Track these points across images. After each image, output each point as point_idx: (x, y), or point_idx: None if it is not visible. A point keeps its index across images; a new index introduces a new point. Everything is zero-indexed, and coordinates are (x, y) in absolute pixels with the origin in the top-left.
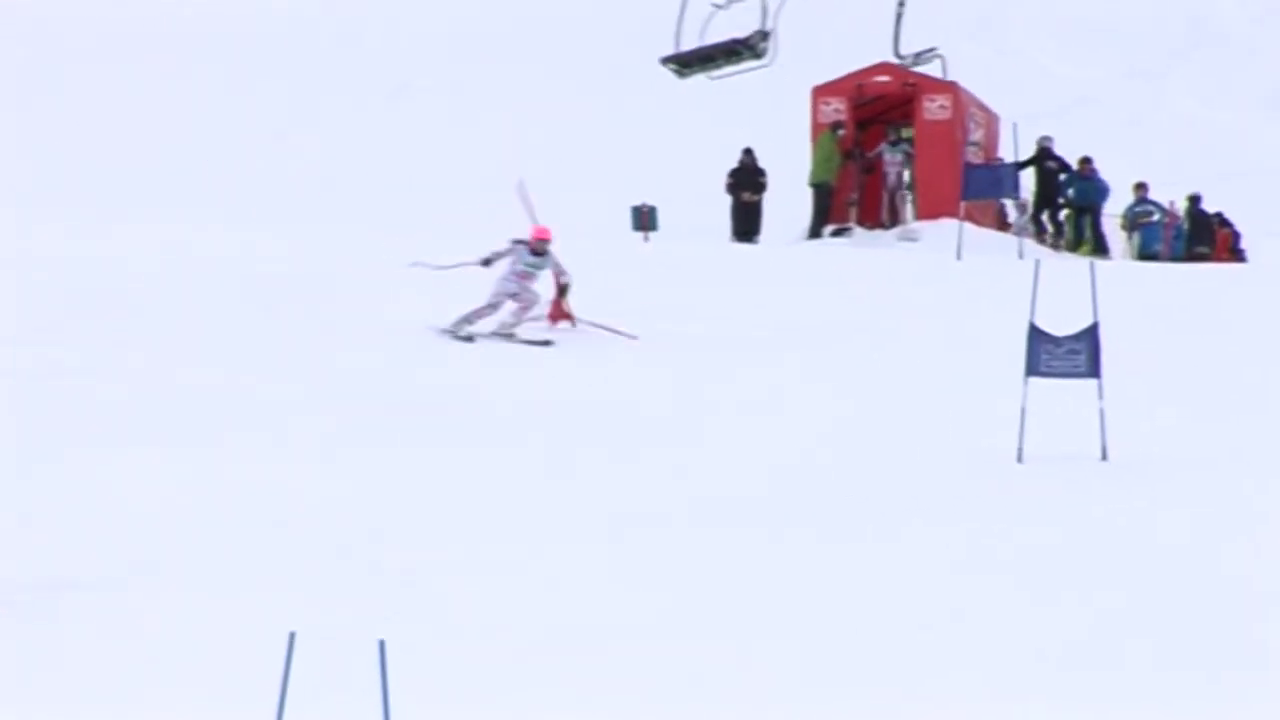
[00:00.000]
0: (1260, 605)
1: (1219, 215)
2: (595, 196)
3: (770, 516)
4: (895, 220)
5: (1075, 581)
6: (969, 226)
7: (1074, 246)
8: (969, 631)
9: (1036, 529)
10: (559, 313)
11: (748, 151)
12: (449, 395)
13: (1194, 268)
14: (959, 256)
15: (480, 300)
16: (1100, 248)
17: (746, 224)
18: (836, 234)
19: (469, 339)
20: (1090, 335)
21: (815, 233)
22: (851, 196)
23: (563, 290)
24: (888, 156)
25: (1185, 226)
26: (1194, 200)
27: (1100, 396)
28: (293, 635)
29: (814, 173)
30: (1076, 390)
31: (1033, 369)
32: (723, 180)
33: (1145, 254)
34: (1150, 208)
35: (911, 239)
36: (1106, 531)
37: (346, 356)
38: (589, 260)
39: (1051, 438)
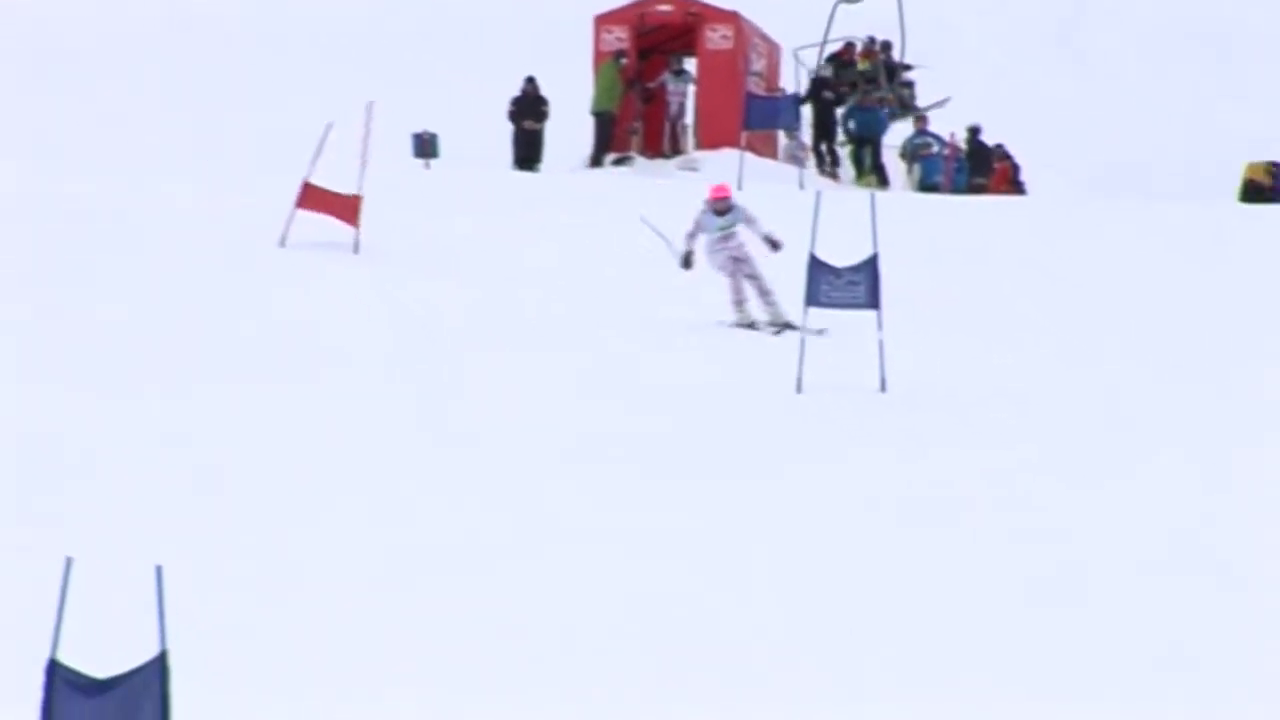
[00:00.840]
0: (1025, 537)
1: (999, 147)
2: (376, 123)
3: (551, 445)
4: (676, 150)
5: (849, 511)
6: (749, 156)
7: (855, 177)
8: (746, 562)
9: (814, 461)
10: None
11: (530, 80)
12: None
13: (973, 200)
14: (739, 186)
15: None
16: (881, 179)
17: (528, 152)
18: (618, 163)
19: (752, 326)
20: (870, 267)
21: (597, 161)
22: (633, 125)
23: (772, 246)
24: (670, 86)
25: (966, 158)
26: (973, 132)
27: (879, 328)
28: (69, 560)
29: (596, 101)
30: (856, 321)
31: (812, 299)
32: (505, 108)
33: (926, 186)
34: (929, 140)
35: (692, 168)
36: (882, 463)
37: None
38: (371, 186)
39: (830, 369)
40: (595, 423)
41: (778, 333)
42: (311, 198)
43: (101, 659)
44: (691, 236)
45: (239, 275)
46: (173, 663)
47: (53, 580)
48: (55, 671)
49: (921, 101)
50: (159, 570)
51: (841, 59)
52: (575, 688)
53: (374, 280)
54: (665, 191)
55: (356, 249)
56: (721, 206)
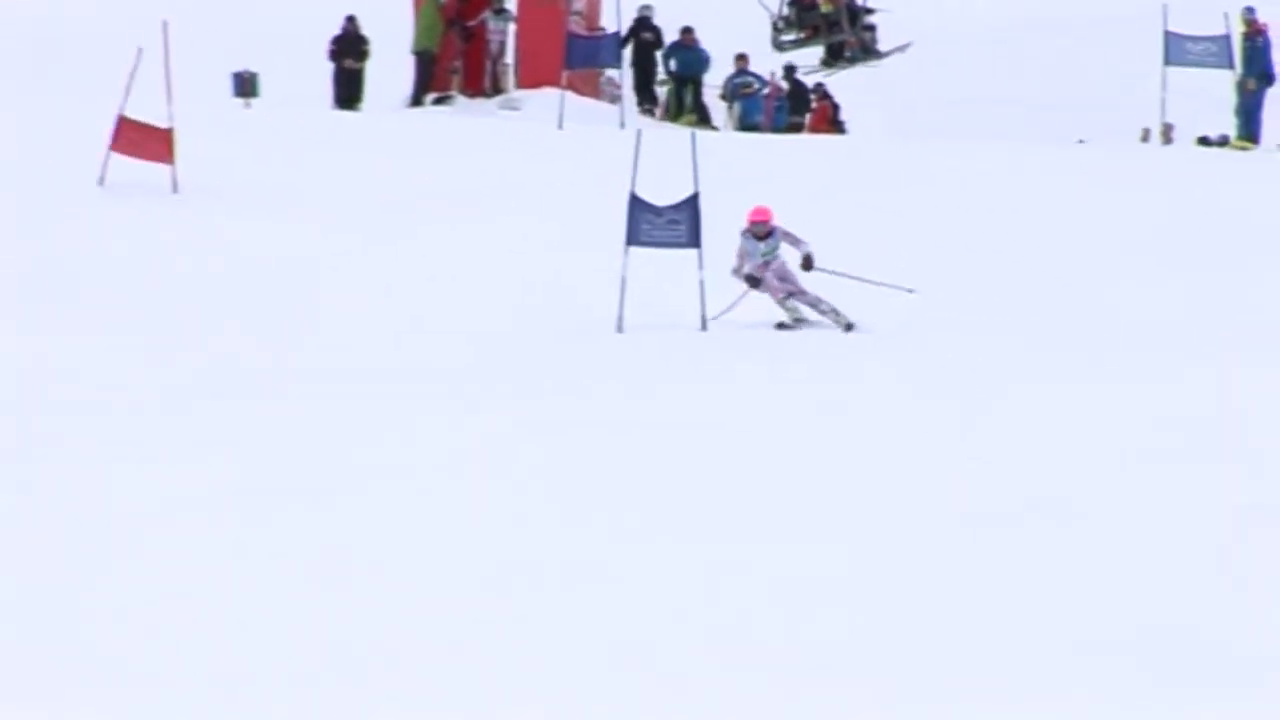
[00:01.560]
0: (845, 470)
1: (819, 87)
2: (196, 61)
3: (379, 381)
4: (498, 89)
5: (669, 451)
6: (570, 96)
7: (676, 116)
8: (562, 503)
9: (634, 399)
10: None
11: (350, 19)
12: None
13: (792, 138)
14: (560, 126)
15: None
16: (703, 118)
17: (349, 91)
18: (438, 102)
19: (800, 321)
20: (690, 206)
21: (417, 101)
22: (454, 65)
23: (806, 263)
24: (491, 25)
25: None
26: (789, 71)
27: (700, 267)
28: None
29: (416, 40)
30: (677, 260)
31: (633, 238)
32: (325, 48)
33: (746, 125)
34: (750, 79)
35: (513, 108)
36: (704, 400)
37: None
38: (191, 125)
39: (651, 307)
40: (415, 359)
41: (849, 329)
42: (126, 134)
43: None
44: (738, 270)
45: (58, 218)
46: None
47: None
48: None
49: (884, 46)
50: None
51: (803, 2)
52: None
53: (195, 221)
54: (486, 131)
55: (175, 188)
56: (759, 230)
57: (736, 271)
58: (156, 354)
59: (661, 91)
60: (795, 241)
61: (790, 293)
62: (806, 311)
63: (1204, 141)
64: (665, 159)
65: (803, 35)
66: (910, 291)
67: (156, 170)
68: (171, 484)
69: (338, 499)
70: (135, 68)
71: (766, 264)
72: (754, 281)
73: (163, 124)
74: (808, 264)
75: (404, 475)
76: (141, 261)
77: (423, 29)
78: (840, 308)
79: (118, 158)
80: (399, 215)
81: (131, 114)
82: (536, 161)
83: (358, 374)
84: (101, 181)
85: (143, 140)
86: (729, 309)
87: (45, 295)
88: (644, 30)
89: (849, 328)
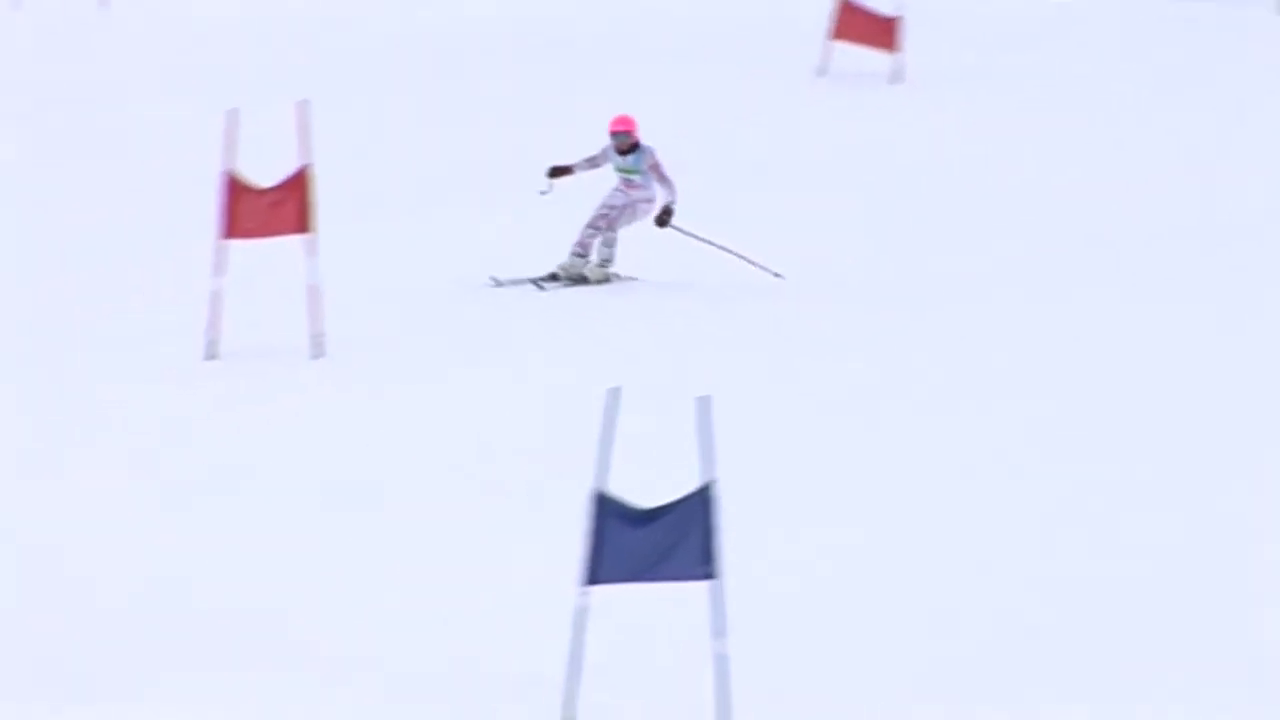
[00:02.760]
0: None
1: None
2: None
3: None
4: None
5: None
6: None
7: None
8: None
9: None
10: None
11: None
12: None
13: None
14: None
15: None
16: None
17: None
18: None
19: (581, 280)
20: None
21: None
22: None
23: (663, 215)
24: None
25: None
26: None
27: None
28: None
29: None
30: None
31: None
32: None
33: None
34: None
35: None
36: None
37: None
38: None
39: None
40: None
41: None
42: (849, 20)
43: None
44: (591, 163)
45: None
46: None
47: None
48: (603, 504)
49: None
50: (707, 400)
51: None
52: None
53: (920, 109)
54: None
55: (900, 78)
56: (621, 143)
57: (589, 161)
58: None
59: None
60: (662, 181)
61: (597, 228)
62: (587, 270)
63: None
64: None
65: None
66: (778, 276)
67: (878, 59)
68: None
69: None
70: None
71: (626, 184)
72: (561, 170)
73: (888, 13)
74: (664, 217)
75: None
76: (863, 149)
77: None
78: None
79: (839, 45)
80: None
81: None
82: None
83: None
84: (823, 71)
85: (867, 27)
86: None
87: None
88: None
89: (604, 281)
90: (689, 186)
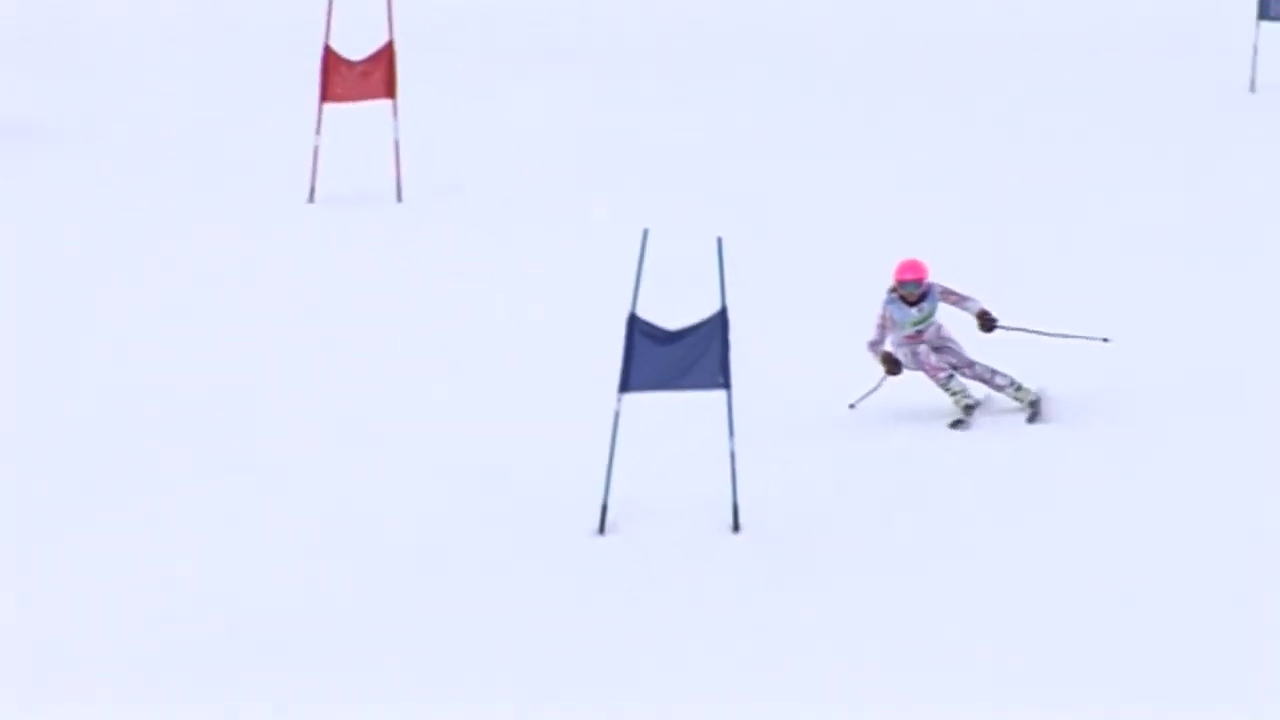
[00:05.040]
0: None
1: None
2: None
3: None
4: None
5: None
6: None
7: None
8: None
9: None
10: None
11: None
12: None
13: None
14: None
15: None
16: None
17: None
18: None
19: (971, 407)
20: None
21: None
22: None
23: (985, 322)
24: None
25: None
26: None
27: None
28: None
29: None
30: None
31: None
32: None
33: None
34: None
35: None
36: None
37: None
38: None
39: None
40: None
41: (1031, 418)
42: None
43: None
44: (877, 345)
45: None
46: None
47: None
48: (635, 324)
49: None
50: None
51: None
52: None
53: None
54: None
55: None
56: (913, 292)
57: (874, 345)
58: None
59: None
60: (960, 300)
61: (954, 368)
62: (978, 390)
63: None
64: None
65: None
66: (1106, 341)
67: None
68: None
69: None
70: None
71: (919, 333)
72: (893, 364)
73: None
74: (987, 323)
75: None
76: None
77: None
78: (1022, 378)
79: None
80: None
81: None
82: None
83: None
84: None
85: None
86: (869, 394)
87: None
88: None
89: (1035, 407)
90: None
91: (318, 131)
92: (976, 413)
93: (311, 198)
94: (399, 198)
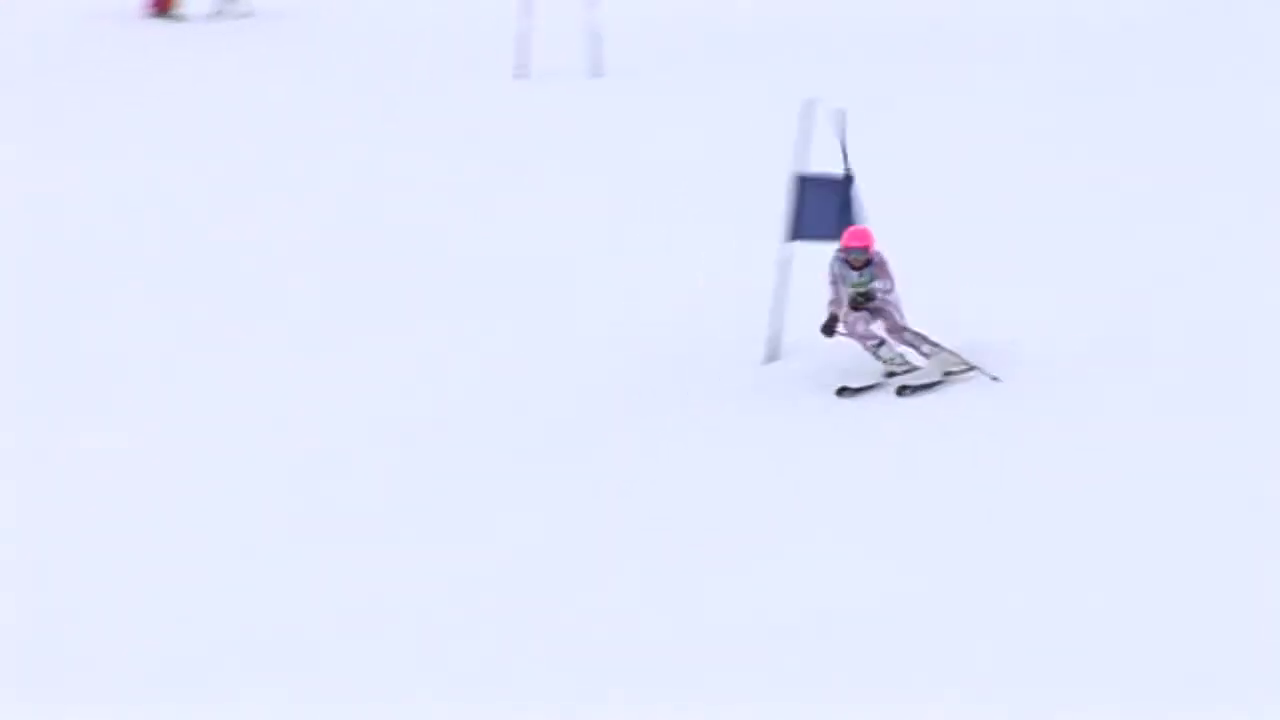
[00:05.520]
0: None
1: None
2: None
3: None
4: None
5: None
6: None
7: None
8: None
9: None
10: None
11: None
12: None
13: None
14: None
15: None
16: None
17: None
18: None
19: (906, 370)
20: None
21: None
22: None
23: (859, 300)
24: None
25: None
26: None
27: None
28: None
29: None
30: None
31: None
32: None
33: None
34: None
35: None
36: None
37: None
38: None
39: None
40: None
41: (901, 391)
42: None
43: None
44: (835, 302)
45: None
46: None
47: None
48: (803, 181)
49: None
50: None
51: None
52: None
53: None
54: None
55: None
56: (856, 258)
57: (833, 303)
58: None
59: None
60: (884, 277)
61: (889, 332)
62: (916, 359)
63: None
64: None
65: None
66: (995, 379)
67: None
68: None
69: None
70: None
71: (863, 302)
72: (830, 327)
73: None
74: (859, 300)
75: None
76: None
77: None
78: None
79: None
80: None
81: None
82: None
83: None
84: None
85: None
86: (864, 388)
87: None
88: None
89: (940, 379)
90: None
91: (523, 15)
92: (932, 392)
93: (520, 74)
94: (596, 73)
